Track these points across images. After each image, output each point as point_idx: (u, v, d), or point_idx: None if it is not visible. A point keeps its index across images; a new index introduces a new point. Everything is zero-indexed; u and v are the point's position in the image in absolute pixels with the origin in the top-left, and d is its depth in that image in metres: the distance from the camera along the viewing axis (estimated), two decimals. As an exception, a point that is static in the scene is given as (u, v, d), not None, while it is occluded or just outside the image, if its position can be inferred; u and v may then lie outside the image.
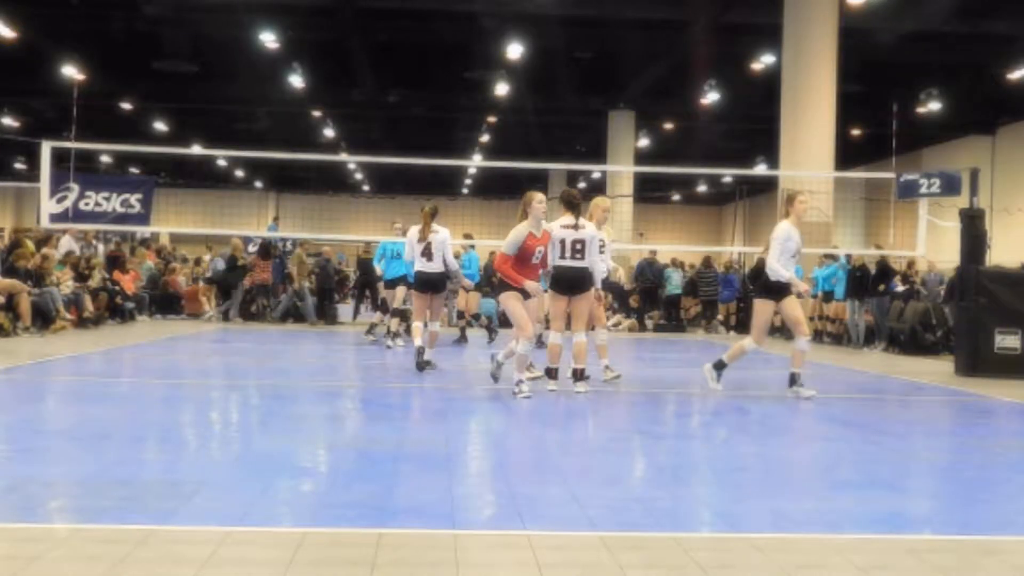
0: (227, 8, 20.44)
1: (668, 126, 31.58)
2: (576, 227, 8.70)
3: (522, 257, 8.27)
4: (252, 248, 21.89)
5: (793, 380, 8.88)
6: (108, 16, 21.39)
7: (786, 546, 3.76)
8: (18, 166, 37.52)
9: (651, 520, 4.15)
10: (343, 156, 33.25)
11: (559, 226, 8.72)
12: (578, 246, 8.69)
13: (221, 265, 21.06)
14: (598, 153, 31.18)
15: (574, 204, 8.82)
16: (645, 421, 7.86)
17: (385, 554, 3.47)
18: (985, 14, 19.75)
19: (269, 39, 22.05)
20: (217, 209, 29.84)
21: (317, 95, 27.86)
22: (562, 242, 8.67)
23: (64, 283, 15.25)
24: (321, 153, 28.63)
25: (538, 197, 8.38)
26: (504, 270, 8.32)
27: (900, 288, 17.73)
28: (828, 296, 17.59)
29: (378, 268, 14.40)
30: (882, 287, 16.33)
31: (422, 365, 10.24)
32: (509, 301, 8.33)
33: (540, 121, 30.58)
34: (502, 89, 25.88)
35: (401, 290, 13.49)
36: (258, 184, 45.29)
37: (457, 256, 13.70)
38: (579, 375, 8.79)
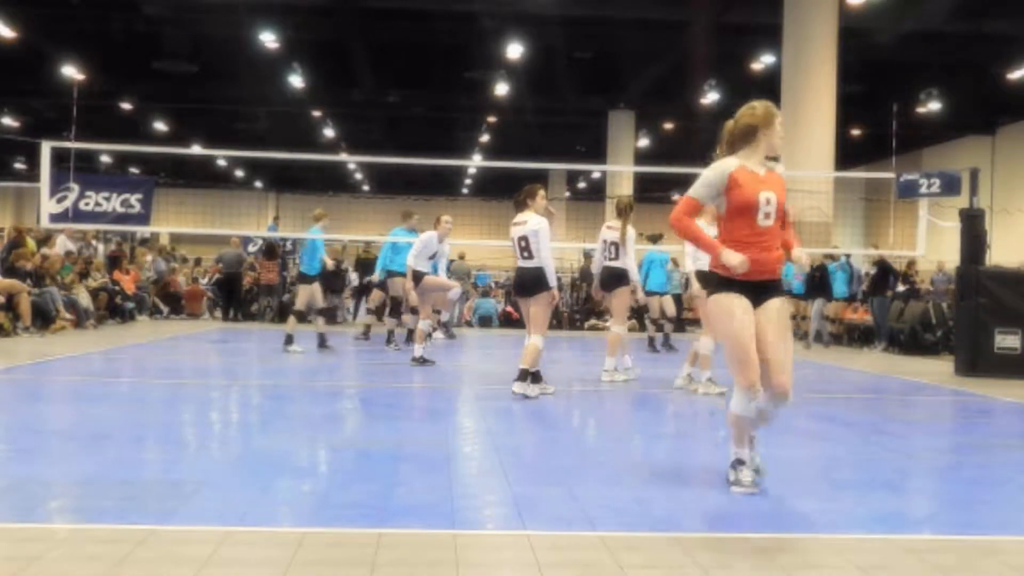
0: (227, 8, 20.45)
1: (668, 126, 31.58)
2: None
3: (737, 212, 4.63)
4: (252, 248, 21.90)
5: None
6: (108, 16, 21.40)
7: (786, 546, 3.76)
8: (18, 166, 37.53)
9: (651, 520, 4.14)
10: (343, 156, 33.27)
11: (512, 224, 8.35)
12: (523, 243, 8.22)
13: (163, 266, 21.05)
14: (598, 153, 31.19)
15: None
16: (645, 421, 7.86)
17: (385, 554, 3.47)
18: (985, 14, 19.76)
19: (269, 39, 22.07)
20: (217, 209, 29.83)
21: (317, 95, 27.87)
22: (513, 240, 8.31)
23: (77, 288, 15.22)
24: (321, 153, 28.64)
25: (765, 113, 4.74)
26: (681, 225, 4.74)
27: (900, 288, 17.74)
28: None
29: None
30: (889, 293, 16.34)
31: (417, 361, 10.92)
32: (716, 315, 4.71)
33: (540, 121, 30.59)
34: (502, 89, 25.89)
35: (307, 289, 12.67)
36: (258, 184, 45.30)
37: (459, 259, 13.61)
38: (525, 376, 8.21)
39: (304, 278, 12.70)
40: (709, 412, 8.09)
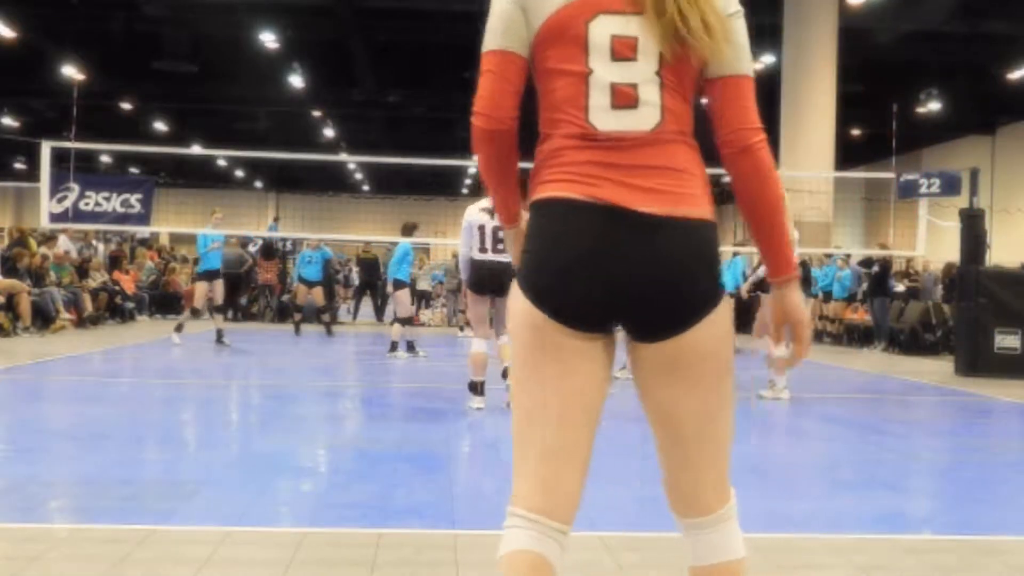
0: (227, 8, 20.44)
1: (668, 126, 31.56)
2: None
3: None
4: (252, 248, 21.89)
5: None
6: (108, 16, 21.40)
7: (786, 546, 3.76)
8: (18, 166, 37.52)
9: (651, 520, 4.14)
10: (343, 156, 33.25)
11: (477, 208, 7.34)
12: (499, 234, 7.22)
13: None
14: (598, 153, 31.16)
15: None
16: (645, 421, 7.85)
17: (385, 554, 3.47)
18: (985, 14, 19.75)
19: (269, 39, 22.07)
20: (217, 209, 29.87)
21: (317, 95, 27.87)
22: (481, 229, 7.27)
23: (84, 281, 15.25)
24: (321, 153, 28.62)
25: None
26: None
27: (900, 288, 17.75)
28: (828, 296, 17.61)
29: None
30: (893, 301, 16.33)
31: None
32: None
33: (540, 121, 30.57)
34: (502, 89, 25.88)
35: (204, 285, 12.85)
36: (258, 184, 45.29)
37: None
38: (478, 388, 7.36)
39: (197, 275, 13.28)
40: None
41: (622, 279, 1.77)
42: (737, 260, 14.60)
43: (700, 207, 1.82)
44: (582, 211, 1.79)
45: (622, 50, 1.82)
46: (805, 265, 16.58)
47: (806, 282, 16.50)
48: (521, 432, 1.88)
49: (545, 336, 1.83)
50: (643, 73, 1.82)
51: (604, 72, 1.82)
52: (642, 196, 1.78)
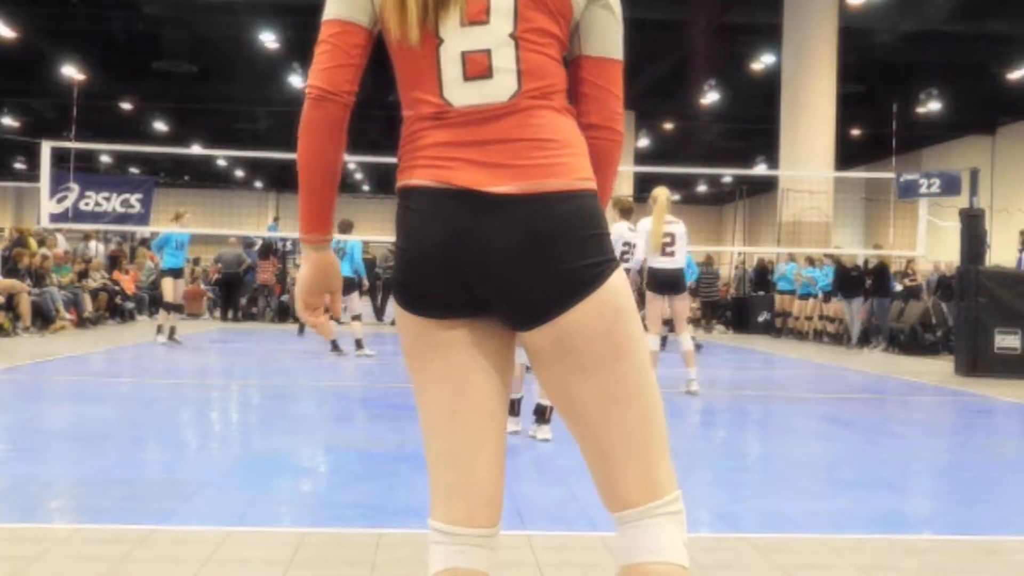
0: (227, 8, 20.47)
1: (668, 126, 31.59)
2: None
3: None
4: (254, 249, 21.90)
5: None
6: (108, 16, 21.43)
7: (786, 546, 3.76)
8: (18, 166, 37.52)
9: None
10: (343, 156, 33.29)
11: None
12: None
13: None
14: (598, 153, 31.15)
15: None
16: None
17: (385, 554, 3.47)
18: (985, 14, 19.78)
19: (269, 39, 22.10)
20: (217, 209, 29.84)
21: (317, 95, 27.92)
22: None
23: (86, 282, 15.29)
24: (321, 153, 28.65)
25: None
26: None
27: (900, 288, 17.77)
28: (828, 296, 17.61)
29: (156, 257, 13.75)
30: (893, 301, 16.30)
31: None
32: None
33: (540, 121, 30.58)
34: (502, 89, 25.91)
35: (171, 282, 13.00)
36: (258, 184, 45.31)
37: None
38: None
39: (162, 272, 13.34)
40: (707, 412, 8.11)
41: (477, 266, 1.63)
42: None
43: (567, 177, 1.64)
44: (434, 198, 1.65)
45: (473, 12, 1.64)
46: (883, 268, 16.58)
47: (885, 282, 16.51)
48: (425, 441, 1.77)
49: (418, 335, 1.72)
50: (496, 37, 1.64)
51: (454, 40, 1.65)
52: (498, 174, 1.62)
